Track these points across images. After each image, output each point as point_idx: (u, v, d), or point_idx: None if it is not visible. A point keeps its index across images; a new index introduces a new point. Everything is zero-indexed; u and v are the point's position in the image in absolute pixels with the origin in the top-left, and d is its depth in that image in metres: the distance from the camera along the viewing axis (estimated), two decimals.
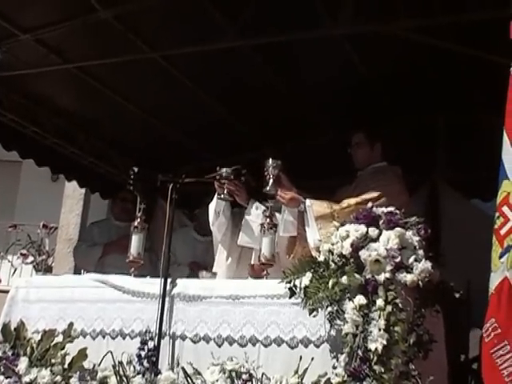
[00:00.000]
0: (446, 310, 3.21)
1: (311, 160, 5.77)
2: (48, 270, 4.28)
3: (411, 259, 2.89)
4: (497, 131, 2.86)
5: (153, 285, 3.54)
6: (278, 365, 3.11)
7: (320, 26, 4.04)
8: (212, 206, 4.21)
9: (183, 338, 3.40)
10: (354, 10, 3.89)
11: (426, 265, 2.87)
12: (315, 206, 3.73)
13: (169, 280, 3.48)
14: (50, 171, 6.24)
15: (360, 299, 2.83)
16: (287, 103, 5.27)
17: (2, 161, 8.76)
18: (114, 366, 3.36)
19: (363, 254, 2.90)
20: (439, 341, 3.06)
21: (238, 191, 4.11)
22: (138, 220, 3.95)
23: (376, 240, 2.93)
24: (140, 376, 3.26)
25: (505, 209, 2.67)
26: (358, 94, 5.00)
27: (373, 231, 2.95)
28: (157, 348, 3.31)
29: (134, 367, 3.31)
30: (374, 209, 3.07)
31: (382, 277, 2.84)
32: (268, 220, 3.67)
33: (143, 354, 3.29)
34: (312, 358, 3.00)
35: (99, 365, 3.45)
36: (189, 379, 3.17)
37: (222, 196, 4.10)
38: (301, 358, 3.02)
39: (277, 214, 3.83)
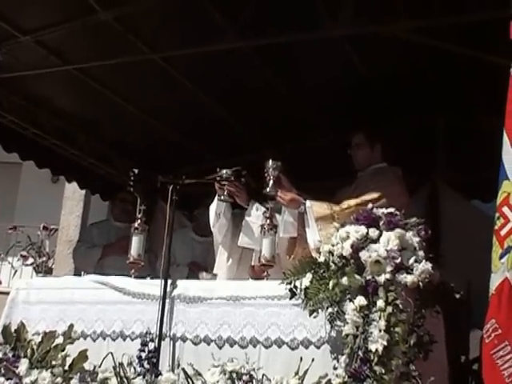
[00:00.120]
0: (447, 310, 3.21)
1: (311, 161, 5.76)
2: (48, 271, 4.28)
3: (411, 260, 2.89)
4: (497, 132, 2.85)
5: (153, 286, 3.53)
6: (278, 366, 3.11)
7: (320, 26, 4.04)
8: (212, 208, 4.21)
9: (184, 339, 3.40)
10: (354, 10, 3.89)
11: (426, 266, 2.87)
12: (315, 207, 3.73)
13: (169, 281, 3.47)
14: (51, 172, 6.24)
15: (360, 300, 2.83)
16: (287, 104, 5.27)
17: (2, 162, 8.74)
18: (114, 368, 3.35)
19: (363, 255, 2.90)
20: (440, 341, 3.06)
21: (238, 192, 4.10)
22: (139, 221, 3.94)
23: (376, 241, 2.93)
24: (140, 377, 3.26)
25: (505, 209, 2.66)
26: (358, 95, 5.00)
27: (373, 232, 2.95)
28: (157, 349, 3.31)
29: (135, 369, 3.30)
30: (375, 210, 3.07)
31: (382, 278, 2.84)
32: (268, 221, 3.67)
33: (144, 355, 3.29)
34: (312, 359, 2.99)
35: (100, 366, 3.45)
36: (189, 380, 3.17)
37: (223, 197, 4.11)
38: (301, 359, 3.01)
39: (277, 215, 3.84)
